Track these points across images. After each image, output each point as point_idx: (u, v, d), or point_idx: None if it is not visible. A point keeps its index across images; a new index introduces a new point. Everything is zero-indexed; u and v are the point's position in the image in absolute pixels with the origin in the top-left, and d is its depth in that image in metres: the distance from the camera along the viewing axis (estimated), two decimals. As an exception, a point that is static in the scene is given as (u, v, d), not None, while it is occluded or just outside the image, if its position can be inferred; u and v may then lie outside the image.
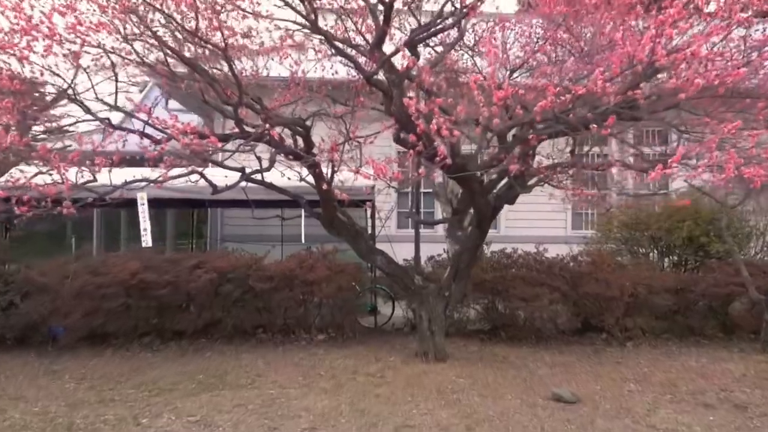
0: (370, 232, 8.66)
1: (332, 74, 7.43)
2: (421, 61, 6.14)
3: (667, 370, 6.53)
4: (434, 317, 6.72)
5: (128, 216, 14.34)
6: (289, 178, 7.92)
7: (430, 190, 11.69)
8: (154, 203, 10.72)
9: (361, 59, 5.85)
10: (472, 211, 7.62)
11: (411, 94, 5.96)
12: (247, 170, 6.07)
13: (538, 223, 13.14)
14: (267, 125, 4.76)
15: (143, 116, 4.97)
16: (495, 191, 6.65)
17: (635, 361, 6.89)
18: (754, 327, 7.89)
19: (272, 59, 7.20)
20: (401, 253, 8.87)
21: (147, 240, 7.00)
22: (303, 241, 8.15)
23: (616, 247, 9.62)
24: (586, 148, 6.43)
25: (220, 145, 5.11)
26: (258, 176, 6.35)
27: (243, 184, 6.96)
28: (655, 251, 9.06)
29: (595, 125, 3.86)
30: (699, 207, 8.62)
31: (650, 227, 8.81)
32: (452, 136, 3.93)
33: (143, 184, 4.81)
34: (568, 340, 7.78)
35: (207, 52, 5.36)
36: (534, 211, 12.60)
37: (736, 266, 7.75)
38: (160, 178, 4.88)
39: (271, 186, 6.74)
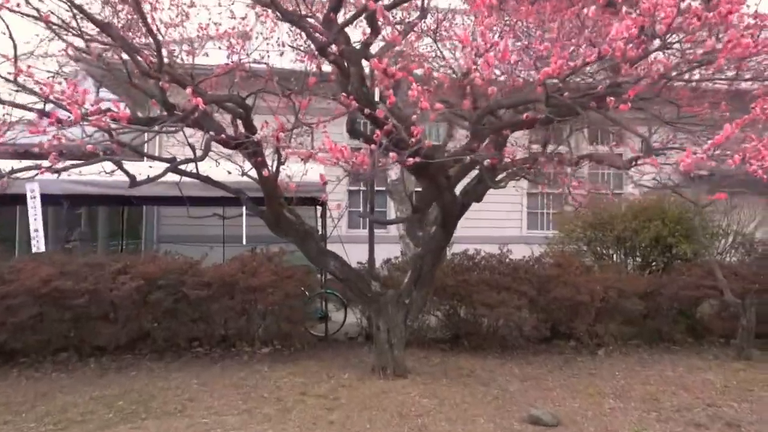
0: (321, 232, 7.78)
1: (279, 56, 6.54)
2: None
3: (645, 382, 5.94)
4: (393, 328, 5.91)
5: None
6: (229, 172, 6.98)
7: (384, 188, 10.90)
8: (77, 200, 9.61)
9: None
10: (433, 209, 6.91)
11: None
12: (180, 160, 5.12)
13: (493, 223, 12.53)
14: (196, 102, 3.83)
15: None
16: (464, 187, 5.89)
17: (610, 372, 6.28)
18: (723, 331, 7.46)
19: (213, 43, 6.25)
20: (354, 255, 8.03)
21: (38, 244, 5.90)
22: (245, 242, 7.20)
23: (579, 248, 9.06)
24: (566, 142, 5.77)
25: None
26: (193, 170, 5.41)
27: (177, 178, 6.02)
28: (621, 252, 8.54)
29: (611, 97, 3.14)
30: (665, 206, 8.14)
31: (616, 227, 8.27)
32: (434, 110, 3.13)
33: (33, 172, 3.78)
34: (536, 348, 7.13)
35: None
36: (489, 210, 11.94)
37: (708, 268, 7.29)
38: (64, 166, 3.87)
39: (206, 180, 5.80)
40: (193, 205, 7.42)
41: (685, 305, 7.45)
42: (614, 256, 8.69)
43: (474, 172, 5.85)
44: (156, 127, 4.05)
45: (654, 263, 8.10)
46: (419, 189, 11.47)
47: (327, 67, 6.88)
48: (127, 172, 4.64)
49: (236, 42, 6.09)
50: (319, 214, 8.83)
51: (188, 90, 4.00)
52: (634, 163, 6.18)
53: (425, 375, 5.96)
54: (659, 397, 5.48)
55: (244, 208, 6.39)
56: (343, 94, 4.49)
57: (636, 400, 5.39)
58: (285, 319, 6.84)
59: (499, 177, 5.68)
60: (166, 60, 4.45)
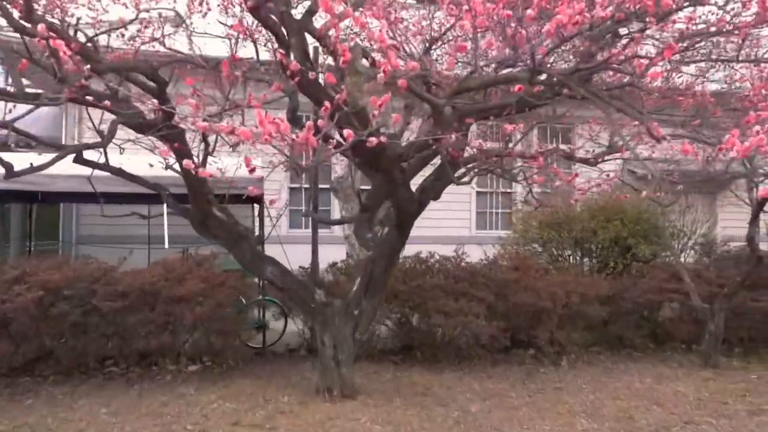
0: (258, 233, 6.91)
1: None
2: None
3: (615, 396, 5.40)
4: (341, 343, 5.14)
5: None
6: (151, 165, 6.02)
7: (327, 185, 10.09)
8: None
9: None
10: (382, 208, 6.18)
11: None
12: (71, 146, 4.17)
13: (441, 222, 11.90)
14: (89, 69, 2.94)
15: None
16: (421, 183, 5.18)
17: (576, 386, 5.72)
18: (685, 335, 7.06)
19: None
20: (295, 257, 7.22)
21: None
22: (167, 245, 6.23)
23: (533, 249, 8.54)
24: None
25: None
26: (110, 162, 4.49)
27: (88, 171, 5.09)
28: (578, 254, 8.06)
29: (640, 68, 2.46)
30: (624, 206, 7.71)
31: (574, 228, 7.77)
32: (391, 86, 2.37)
33: None
34: (494, 359, 6.50)
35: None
36: (437, 209, 11.35)
37: (672, 270, 6.87)
38: None
39: (118, 172, 4.87)
40: (111, 203, 6.42)
41: (647, 309, 7.02)
42: (571, 257, 8.20)
43: (429, 168, 5.17)
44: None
45: (613, 265, 7.63)
46: (367, 187, 10.67)
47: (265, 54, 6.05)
48: (1, 161, 3.66)
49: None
50: (256, 213, 7.97)
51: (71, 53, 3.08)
52: (601, 159, 5.69)
53: (377, 395, 5.22)
54: (633, 414, 4.94)
55: (165, 206, 5.46)
56: (283, 67, 3.68)
57: (609, 419, 4.83)
58: (216, 333, 5.95)
59: (460, 172, 5.01)
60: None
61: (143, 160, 6.21)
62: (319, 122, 2.39)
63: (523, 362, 6.48)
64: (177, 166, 4.67)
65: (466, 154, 5.06)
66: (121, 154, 4.52)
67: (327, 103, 2.50)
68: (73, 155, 4.65)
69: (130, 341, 5.76)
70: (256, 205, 8.29)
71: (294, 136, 2.06)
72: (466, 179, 4.73)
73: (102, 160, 4.70)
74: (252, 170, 2.50)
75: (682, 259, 7.88)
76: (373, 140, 2.52)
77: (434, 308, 6.16)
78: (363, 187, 10.76)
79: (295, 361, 6.46)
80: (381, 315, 6.35)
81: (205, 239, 5.34)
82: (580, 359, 6.58)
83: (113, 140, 4.40)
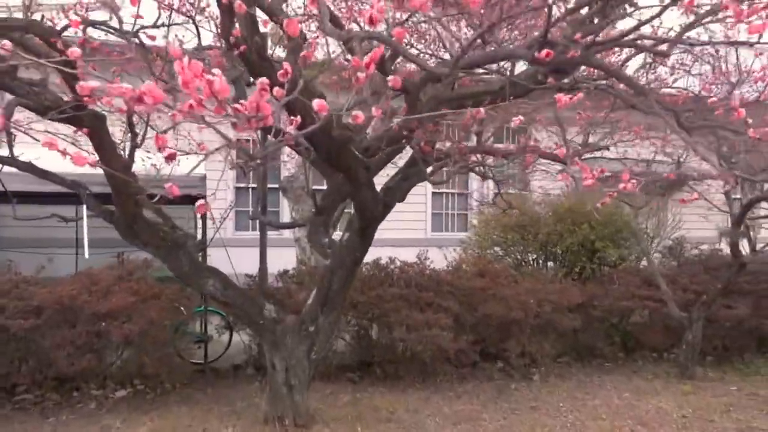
0: (200, 238, 6.10)
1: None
2: None
3: (596, 416, 4.91)
4: (293, 366, 4.45)
5: None
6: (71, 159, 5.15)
7: (276, 185, 9.35)
8: None
9: None
10: (341, 212, 5.52)
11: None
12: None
13: (395, 224, 11.26)
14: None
15: None
16: (386, 183, 4.54)
17: (553, 404, 5.20)
18: (654, 343, 6.69)
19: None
20: (241, 262, 6.49)
21: None
22: (86, 254, 5.35)
23: (495, 252, 8.03)
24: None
25: None
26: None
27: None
28: (543, 258, 7.60)
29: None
30: (591, 208, 7.29)
31: (540, 231, 7.30)
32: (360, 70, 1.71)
33: None
34: (461, 374, 5.93)
35: None
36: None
37: (643, 275, 6.49)
38: None
39: (27, 168, 4.02)
40: (28, 203, 5.52)
41: (617, 317, 6.61)
42: (535, 261, 7.74)
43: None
44: None
45: (579, 270, 7.20)
46: (321, 187, 9.91)
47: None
48: None
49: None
50: (198, 216, 7.14)
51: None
52: (577, 157, 5.21)
53: (335, 423, 4.56)
54: (618, 437, 4.46)
55: (84, 207, 4.61)
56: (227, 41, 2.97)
57: (594, 444, 4.32)
58: (149, 353, 5.13)
59: (431, 170, 4.40)
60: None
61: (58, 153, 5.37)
62: (276, 90, 1.72)
63: (492, 377, 5.94)
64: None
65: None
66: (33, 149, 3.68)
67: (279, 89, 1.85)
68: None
69: (45, 365, 4.88)
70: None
71: (239, 105, 1.39)
72: (442, 178, 4.11)
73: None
74: (170, 157, 1.81)
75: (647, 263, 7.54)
76: (359, 115, 1.86)
77: (397, 321, 5.54)
78: (316, 187, 10.02)
79: (240, 382, 5.71)
80: (337, 328, 5.68)
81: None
82: (551, 372, 6.10)
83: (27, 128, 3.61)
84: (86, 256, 5.19)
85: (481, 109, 2.95)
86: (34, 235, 8.18)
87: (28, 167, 4.05)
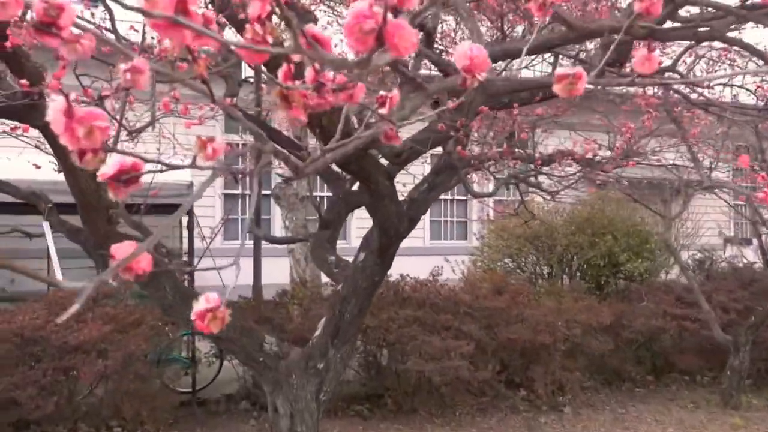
0: (185, 255, 5.29)
1: None
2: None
3: (644, 460, 4.18)
4: (300, 410, 3.65)
5: None
6: (37, 166, 4.38)
7: (269, 192, 8.56)
8: None
9: None
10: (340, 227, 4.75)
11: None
12: None
13: (392, 232, 10.54)
14: None
15: None
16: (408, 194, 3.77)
17: (591, 443, 4.47)
18: (687, 366, 6.00)
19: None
20: (231, 274, 5.65)
21: None
22: (59, 273, 4.47)
23: (505, 265, 7.31)
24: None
25: None
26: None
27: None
28: (561, 271, 6.89)
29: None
30: (614, 218, 6.61)
31: (557, 242, 6.59)
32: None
33: None
34: (481, 404, 5.18)
35: None
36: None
37: (677, 292, 5.79)
38: None
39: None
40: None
41: (647, 338, 5.91)
42: (549, 275, 7.02)
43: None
44: None
45: (604, 285, 6.50)
46: (320, 194, 9.03)
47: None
48: None
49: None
50: (184, 224, 6.33)
51: None
52: (620, 163, 4.50)
53: (348, 477, 3.76)
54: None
55: (46, 223, 3.77)
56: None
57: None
58: (127, 391, 4.29)
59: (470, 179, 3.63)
60: None
61: (31, 159, 4.54)
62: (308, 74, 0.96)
63: (517, 408, 5.19)
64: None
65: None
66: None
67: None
68: None
69: (2, 409, 4.01)
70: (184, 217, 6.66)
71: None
72: (489, 190, 3.36)
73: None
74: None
75: (674, 276, 6.88)
76: (394, 96, 1.12)
77: (413, 348, 4.77)
78: (319, 193, 9.19)
79: (234, 419, 4.90)
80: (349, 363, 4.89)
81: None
82: (581, 401, 5.36)
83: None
84: (59, 277, 4.34)
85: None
86: (3, 246, 7.32)
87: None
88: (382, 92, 0.81)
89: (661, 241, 6.62)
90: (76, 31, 0.60)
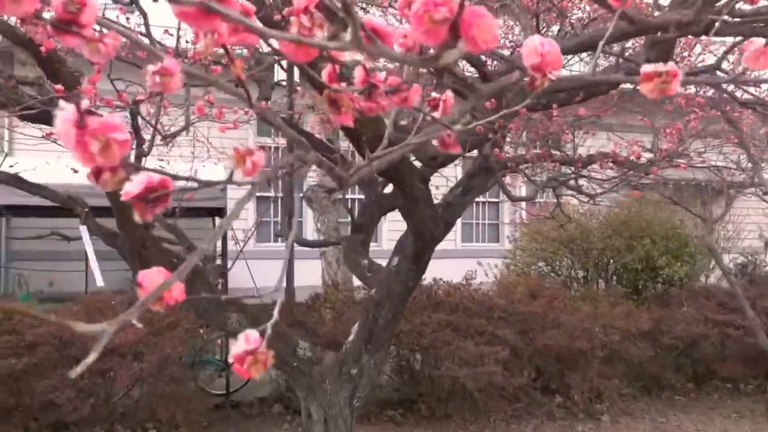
0: (219, 259, 5.28)
1: None
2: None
3: (689, 473, 4.00)
4: (334, 416, 3.59)
5: None
6: (75, 170, 4.37)
7: (301, 194, 8.51)
8: None
9: None
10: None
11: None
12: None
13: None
14: None
15: None
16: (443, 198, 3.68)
17: (632, 454, 4.30)
18: (729, 374, 5.75)
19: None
20: (263, 278, 5.70)
21: None
22: (100, 282, 4.49)
23: (539, 268, 7.14)
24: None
25: None
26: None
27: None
28: (596, 274, 6.70)
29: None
30: (652, 220, 6.39)
31: (593, 246, 6.40)
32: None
33: None
34: (515, 410, 5.04)
35: None
36: (418, 220, 9.91)
37: (719, 298, 5.56)
38: None
39: (14, 181, 3.23)
40: (30, 215, 4.81)
41: (687, 344, 5.68)
42: (584, 279, 6.84)
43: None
44: None
45: (641, 289, 6.29)
46: (352, 196, 8.97)
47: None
48: None
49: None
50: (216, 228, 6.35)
51: None
52: (661, 165, 4.33)
53: (383, 484, 3.69)
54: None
55: (85, 228, 3.79)
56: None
57: None
58: (163, 393, 4.29)
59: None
60: None
61: (69, 164, 4.59)
62: (358, 74, 0.88)
63: (552, 415, 5.04)
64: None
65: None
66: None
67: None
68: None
69: (41, 410, 4.05)
70: (216, 218, 6.70)
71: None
72: (521, 193, 3.25)
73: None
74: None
75: (713, 281, 6.63)
76: (448, 98, 1.03)
77: (447, 354, 4.67)
78: (350, 197, 9.14)
79: (267, 421, 4.87)
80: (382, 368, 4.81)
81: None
82: (618, 409, 5.18)
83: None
84: (98, 283, 4.37)
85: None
86: (44, 248, 7.46)
87: (15, 180, 3.25)
88: (434, 94, 0.73)
89: (702, 245, 6.38)
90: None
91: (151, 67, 0.52)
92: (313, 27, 0.54)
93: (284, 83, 5.98)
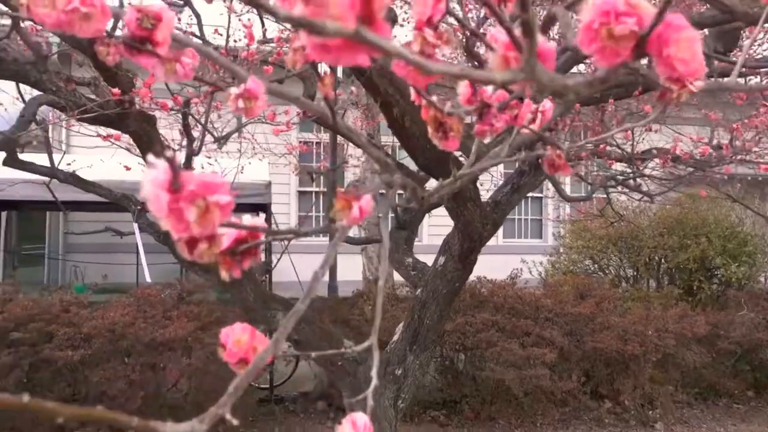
0: (264, 254, 5.31)
1: None
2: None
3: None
4: (379, 417, 3.54)
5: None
6: (127, 167, 4.50)
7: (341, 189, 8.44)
8: None
9: None
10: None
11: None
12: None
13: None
14: None
15: None
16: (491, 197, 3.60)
17: (688, 465, 4.12)
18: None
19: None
20: (305, 271, 5.67)
21: None
22: (148, 278, 4.57)
23: (586, 267, 6.93)
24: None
25: None
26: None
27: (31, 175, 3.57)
28: (647, 274, 6.45)
29: None
30: (708, 218, 6.10)
31: (644, 244, 6.16)
32: None
33: None
34: (563, 413, 4.90)
35: None
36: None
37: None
38: None
39: (69, 179, 3.30)
40: (88, 210, 4.93)
41: (746, 350, 5.41)
42: (634, 278, 6.59)
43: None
44: None
45: (696, 291, 6.02)
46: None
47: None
48: None
49: None
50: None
51: None
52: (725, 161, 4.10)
53: (428, 486, 3.63)
54: None
55: (136, 225, 3.85)
56: None
57: None
58: (211, 388, 4.34)
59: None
60: None
61: (122, 161, 4.70)
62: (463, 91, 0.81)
63: (602, 420, 4.88)
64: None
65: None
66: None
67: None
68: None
69: (95, 402, 4.15)
70: (261, 214, 6.75)
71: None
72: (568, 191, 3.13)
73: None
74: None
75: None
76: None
77: (492, 355, 4.57)
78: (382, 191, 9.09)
79: (311, 418, 4.87)
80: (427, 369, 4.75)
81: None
82: (672, 417, 4.98)
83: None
84: (148, 280, 4.44)
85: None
86: (99, 241, 7.68)
87: (70, 178, 3.32)
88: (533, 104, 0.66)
89: (762, 244, 6.07)
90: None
91: (234, 90, 0.47)
92: (440, 43, 0.46)
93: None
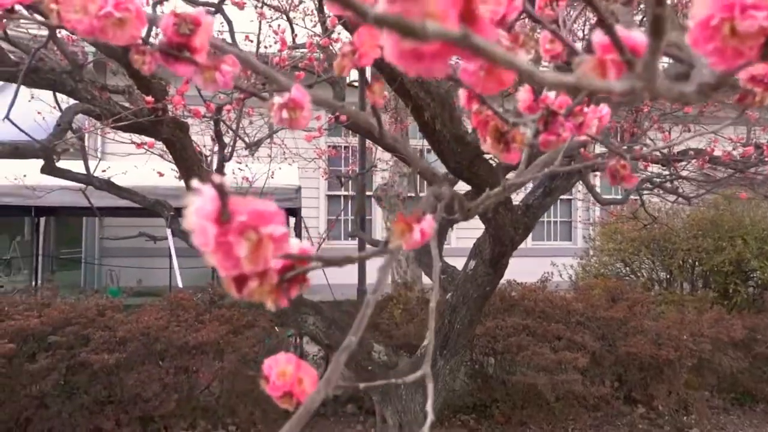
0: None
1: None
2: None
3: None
4: (410, 422, 3.50)
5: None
6: (161, 174, 4.53)
7: (369, 192, 8.49)
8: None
9: None
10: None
11: None
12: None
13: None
14: None
15: None
16: (522, 200, 3.53)
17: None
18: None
19: None
20: (334, 275, 5.77)
21: None
22: (180, 284, 4.60)
23: (617, 270, 6.77)
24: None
25: None
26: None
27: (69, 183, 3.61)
28: (680, 277, 6.26)
29: None
30: (744, 220, 5.90)
31: (678, 247, 5.98)
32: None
33: None
34: (595, 418, 4.78)
35: None
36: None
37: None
38: None
39: (103, 185, 3.33)
40: (122, 216, 4.98)
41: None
42: (668, 281, 6.41)
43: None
44: None
45: (732, 294, 5.82)
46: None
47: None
48: None
49: None
50: (291, 227, 6.42)
51: None
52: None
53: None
54: None
55: (169, 231, 3.87)
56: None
57: None
58: (241, 393, 4.35)
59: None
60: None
61: (155, 167, 4.75)
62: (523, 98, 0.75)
63: (635, 426, 4.74)
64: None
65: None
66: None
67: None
68: (41, 164, 3.12)
69: (127, 408, 4.19)
70: (291, 218, 6.76)
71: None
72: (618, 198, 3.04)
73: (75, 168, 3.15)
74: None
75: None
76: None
77: (523, 360, 4.47)
78: (422, 195, 9.02)
79: (340, 423, 4.84)
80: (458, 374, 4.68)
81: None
82: (708, 423, 4.81)
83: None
84: (179, 285, 4.47)
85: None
86: (133, 246, 7.79)
87: (105, 185, 3.34)
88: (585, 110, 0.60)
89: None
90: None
91: (277, 100, 0.43)
92: (519, 46, 0.42)
93: (356, 84, 5.94)
